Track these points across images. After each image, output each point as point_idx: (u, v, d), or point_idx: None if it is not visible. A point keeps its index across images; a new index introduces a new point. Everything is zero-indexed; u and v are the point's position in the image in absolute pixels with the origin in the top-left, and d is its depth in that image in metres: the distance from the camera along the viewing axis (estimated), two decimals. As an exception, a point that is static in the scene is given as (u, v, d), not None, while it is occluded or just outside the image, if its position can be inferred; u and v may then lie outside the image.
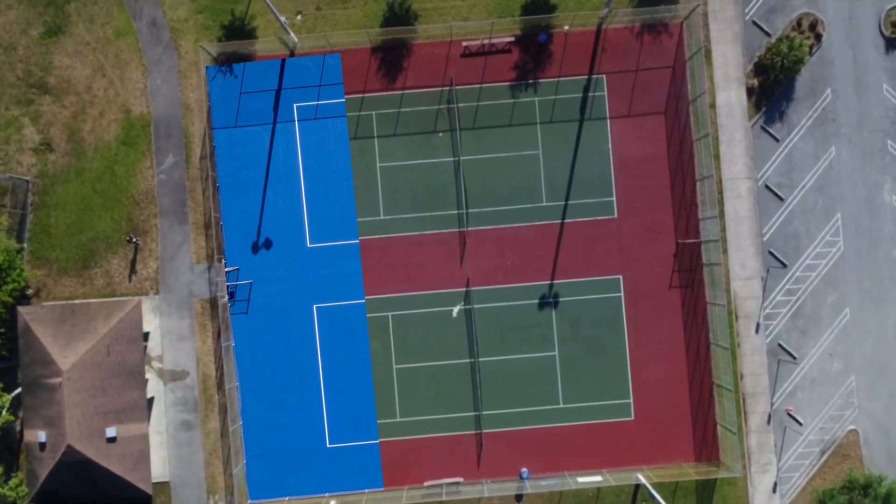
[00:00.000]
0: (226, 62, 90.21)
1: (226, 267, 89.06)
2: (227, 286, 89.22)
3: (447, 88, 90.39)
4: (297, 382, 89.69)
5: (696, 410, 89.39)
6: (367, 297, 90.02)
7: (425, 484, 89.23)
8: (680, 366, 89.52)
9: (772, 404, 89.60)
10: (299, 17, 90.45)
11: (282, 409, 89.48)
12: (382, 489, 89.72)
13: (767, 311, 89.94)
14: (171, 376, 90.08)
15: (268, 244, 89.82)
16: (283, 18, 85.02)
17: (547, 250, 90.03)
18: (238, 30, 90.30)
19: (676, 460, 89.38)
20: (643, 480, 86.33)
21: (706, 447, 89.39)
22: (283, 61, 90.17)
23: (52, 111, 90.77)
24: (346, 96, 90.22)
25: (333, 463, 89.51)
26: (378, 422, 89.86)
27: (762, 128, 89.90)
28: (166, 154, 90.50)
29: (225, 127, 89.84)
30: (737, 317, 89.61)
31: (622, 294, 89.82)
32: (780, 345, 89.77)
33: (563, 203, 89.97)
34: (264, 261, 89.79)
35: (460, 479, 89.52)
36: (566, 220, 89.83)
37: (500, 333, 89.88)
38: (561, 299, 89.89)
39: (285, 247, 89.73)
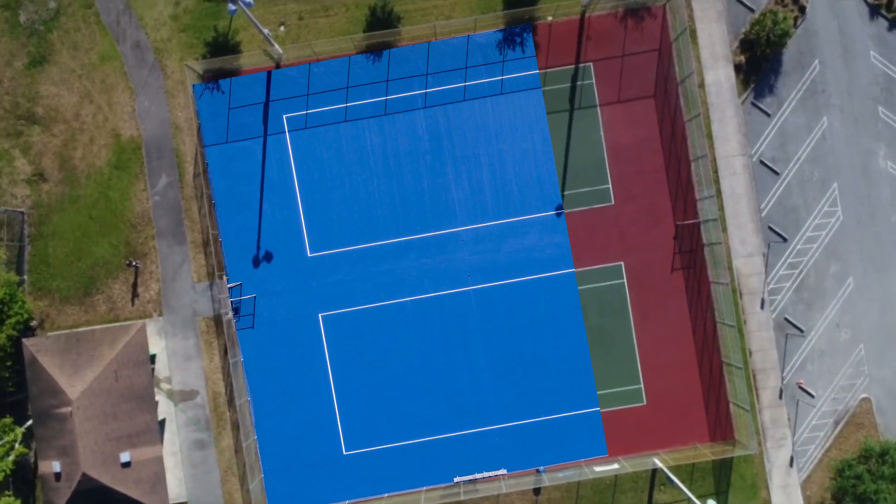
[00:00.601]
0: (212, 79, 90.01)
1: (228, 283, 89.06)
2: (231, 302, 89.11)
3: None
4: (309, 392, 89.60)
5: (708, 390, 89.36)
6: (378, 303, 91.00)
7: (455, 480, 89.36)
8: (688, 347, 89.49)
9: (782, 379, 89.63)
10: (282, 29, 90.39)
11: (295, 419, 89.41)
12: (402, 492, 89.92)
13: (771, 286, 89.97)
14: (181, 396, 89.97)
15: (268, 257, 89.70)
16: (266, 31, 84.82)
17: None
18: (222, 45, 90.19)
19: (691, 442, 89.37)
20: (660, 465, 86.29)
21: (720, 427, 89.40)
22: (270, 73, 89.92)
23: (42, 141, 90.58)
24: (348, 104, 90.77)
25: (351, 470, 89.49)
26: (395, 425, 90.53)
27: (752, 104, 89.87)
28: (159, 175, 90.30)
29: (216, 143, 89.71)
30: (741, 294, 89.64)
31: (625, 280, 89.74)
32: (786, 319, 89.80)
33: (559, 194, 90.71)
34: (266, 274, 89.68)
35: (504, 471, 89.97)
36: (564, 211, 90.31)
37: (506, 328, 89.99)
38: (565, 290, 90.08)
39: (286, 258, 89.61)
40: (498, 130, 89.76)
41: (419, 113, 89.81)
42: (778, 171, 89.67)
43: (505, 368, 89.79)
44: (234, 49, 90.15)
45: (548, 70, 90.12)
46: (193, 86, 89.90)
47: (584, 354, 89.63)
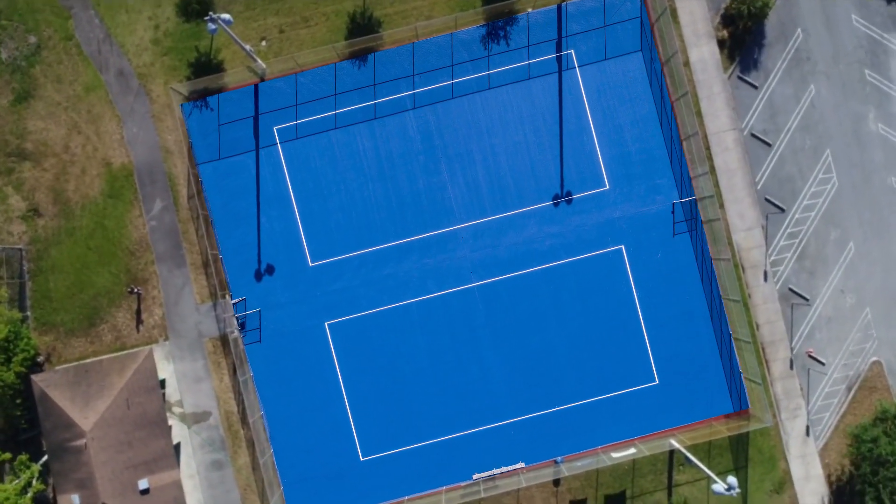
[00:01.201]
0: (199, 97, 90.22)
1: (231, 299, 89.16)
2: (237, 318, 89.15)
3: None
4: (321, 401, 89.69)
5: (719, 366, 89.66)
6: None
7: (474, 477, 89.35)
8: (696, 324, 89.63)
9: (792, 349, 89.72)
10: (264, 43, 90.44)
11: (310, 430, 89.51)
12: (423, 493, 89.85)
13: (773, 257, 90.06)
14: (194, 419, 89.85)
15: (270, 270, 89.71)
16: (248, 47, 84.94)
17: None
18: (205, 65, 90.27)
19: (706, 419, 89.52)
20: (677, 446, 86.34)
21: (734, 402, 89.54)
22: (257, 87, 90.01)
23: (34, 176, 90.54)
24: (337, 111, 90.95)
25: (370, 475, 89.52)
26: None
27: (739, 77, 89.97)
28: (154, 200, 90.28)
29: (209, 161, 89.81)
30: (743, 268, 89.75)
31: (626, 263, 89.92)
32: (790, 289, 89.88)
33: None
34: (269, 287, 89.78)
35: (522, 465, 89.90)
36: (561, 200, 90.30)
37: (512, 321, 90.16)
38: (567, 279, 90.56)
39: (288, 270, 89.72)
40: (488, 125, 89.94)
41: (409, 114, 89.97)
42: (770, 142, 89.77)
43: (515, 361, 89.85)
44: (217, 68, 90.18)
45: (531, 61, 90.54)
46: (181, 105, 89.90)
47: (595, 342, 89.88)
